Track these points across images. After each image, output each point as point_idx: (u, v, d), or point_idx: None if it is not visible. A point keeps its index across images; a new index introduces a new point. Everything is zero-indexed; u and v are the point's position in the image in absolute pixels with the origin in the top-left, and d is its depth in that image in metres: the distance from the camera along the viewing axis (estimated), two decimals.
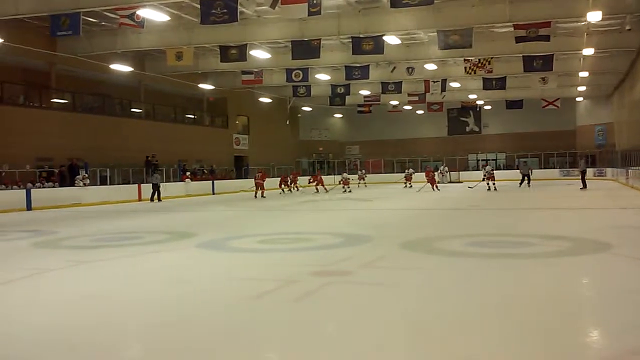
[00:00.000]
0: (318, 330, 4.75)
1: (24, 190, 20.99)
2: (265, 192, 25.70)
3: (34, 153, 23.41)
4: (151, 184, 25.05)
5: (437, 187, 27.33)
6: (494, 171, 26.73)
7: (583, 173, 26.08)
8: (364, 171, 36.67)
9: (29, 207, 20.62)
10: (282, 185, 29.76)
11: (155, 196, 24.75)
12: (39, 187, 21.97)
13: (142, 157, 28.35)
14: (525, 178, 27.68)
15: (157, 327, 4.88)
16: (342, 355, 4.09)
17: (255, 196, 25.40)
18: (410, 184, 32.33)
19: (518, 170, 29.95)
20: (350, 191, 27.81)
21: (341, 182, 28.78)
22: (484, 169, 27.21)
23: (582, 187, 24.82)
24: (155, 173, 25.74)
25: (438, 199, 21.28)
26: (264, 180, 25.95)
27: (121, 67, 25.45)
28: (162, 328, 4.84)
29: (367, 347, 4.22)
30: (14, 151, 22.05)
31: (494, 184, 25.68)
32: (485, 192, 24.59)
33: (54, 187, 22.64)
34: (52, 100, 26.78)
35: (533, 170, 30.30)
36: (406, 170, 34.38)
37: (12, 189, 21.30)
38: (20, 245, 10.91)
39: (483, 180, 26.46)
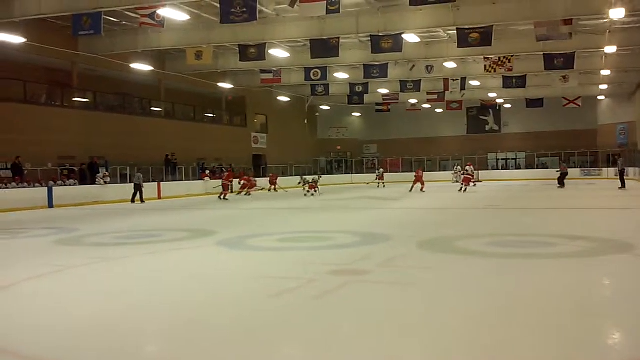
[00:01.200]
0: (337, 329, 4.77)
1: (46, 188, 21.28)
2: (227, 194, 24.05)
3: (55, 151, 23.72)
4: (133, 184, 23.07)
5: (466, 186, 25.62)
6: (469, 170, 25.63)
7: (622, 172, 25.32)
8: (381, 170, 35.39)
9: (50, 205, 20.91)
10: (270, 185, 29.34)
11: (137, 197, 22.86)
12: (61, 185, 22.24)
13: (162, 155, 28.60)
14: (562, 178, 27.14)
15: (180, 324, 4.93)
16: (361, 353, 4.11)
17: (220, 197, 23.79)
18: (383, 183, 32.26)
19: (559, 170, 28.74)
20: (312, 195, 24.96)
21: (301, 183, 26.12)
22: (455, 169, 25.85)
23: (620, 186, 24.26)
24: (138, 172, 23.61)
25: (456, 199, 21.17)
26: (230, 181, 24.76)
27: (141, 67, 25.68)
28: (185, 325, 4.90)
29: (384, 347, 4.23)
30: (36, 149, 22.38)
31: (473, 184, 24.44)
32: (505, 192, 24.36)
33: (75, 185, 22.91)
34: (73, 99, 27.11)
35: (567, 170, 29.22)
36: (377, 170, 34.29)
37: (34, 186, 21.61)
38: (43, 242, 11.08)
39: (456, 182, 25.15)
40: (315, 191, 25.44)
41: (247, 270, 7.59)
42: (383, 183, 33.64)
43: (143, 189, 23.09)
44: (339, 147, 49.54)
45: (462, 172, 24.68)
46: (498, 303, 5.47)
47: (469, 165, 29.25)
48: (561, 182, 26.74)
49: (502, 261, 7.74)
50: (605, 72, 31.57)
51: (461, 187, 24.66)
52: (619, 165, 26.04)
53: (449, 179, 38.40)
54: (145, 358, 4.19)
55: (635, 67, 30.19)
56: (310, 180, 26.08)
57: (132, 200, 22.78)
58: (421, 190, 25.75)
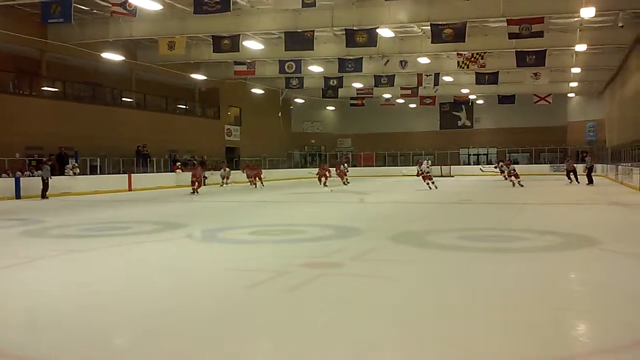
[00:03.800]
0: (310, 321, 4.75)
1: (13, 179, 20.81)
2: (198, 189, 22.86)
3: (23, 141, 23.18)
4: (40, 178, 20.88)
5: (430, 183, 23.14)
6: (429, 168, 23.37)
7: (590, 169, 25.56)
8: (345, 165, 30.92)
9: (18, 196, 20.46)
10: (255, 179, 26.85)
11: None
12: (28, 176, 21.76)
13: (133, 146, 28.19)
14: (572, 174, 26.15)
15: (148, 316, 4.86)
16: (333, 345, 4.09)
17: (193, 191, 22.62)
18: (347, 179, 28.68)
19: (584, 165, 27.13)
20: (347, 182, 27.76)
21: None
22: (419, 167, 23.32)
23: (587, 182, 24.74)
24: (45, 164, 21.49)
25: (430, 193, 21.32)
26: (196, 178, 22.90)
27: (112, 56, 25.25)
28: (152, 316, 4.83)
29: (357, 338, 4.22)
30: (3, 139, 21.83)
31: (433, 182, 22.46)
32: (478, 186, 24.64)
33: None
34: (42, 88, 26.51)
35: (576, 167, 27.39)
36: (342, 165, 30.43)
37: (1, 177, 21.11)
38: (9, 233, 10.84)
39: (419, 175, 23.29)
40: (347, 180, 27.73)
41: (218, 262, 7.52)
42: (347, 179, 28.95)
43: (49, 183, 20.80)
44: (313, 141, 49.51)
45: (421, 172, 22.72)
46: (468, 296, 5.51)
47: (420, 164, 24.17)
48: (574, 177, 25.94)
49: (473, 255, 7.81)
50: (576, 70, 32.12)
51: (429, 186, 22.26)
52: (587, 162, 26.48)
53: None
54: (114, 350, 4.11)
55: (604, 65, 30.75)
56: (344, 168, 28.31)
57: (43, 196, 20.56)
58: (324, 184, 25.66)
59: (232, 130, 39.53)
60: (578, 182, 25.25)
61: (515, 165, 26.52)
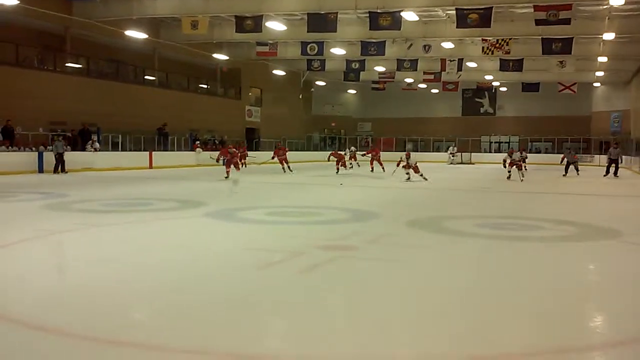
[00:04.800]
0: (323, 302, 4.79)
1: (37, 153, 21.12)
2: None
3: (47, 116, 23.48)
4: (54, 154, 20.84)
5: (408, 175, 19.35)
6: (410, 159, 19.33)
7: (616, 161, 23.51)
8: (353, 149, 28.68)
9: (40, 170, 20.78)
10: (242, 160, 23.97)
11: (60, 167, 20.90)
12: (51, 151, 22.09)
13: (154, 124, 28.40)
14: (613, 165, 23.50)
15: (163, 292, 4.93)
16: (344, 326, 4.13)
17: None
18: (357, 163, 26.84)
19: (607, 156, 24.70)
20: (351, 167, 25.22)
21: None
22: (402, 158, 19.67)
23: (605, 174, 23.39)
24: (58, 140, 21.42)
25: (449, 180, 21.21)
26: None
27: (136, 34, 25.35)
28: (169, 294, 4.90)
29: (369, 319, 4.25)
30: (27, 114, 22.15)
31: (417, 172, 19.04)
32: (498, 174, 24.43)
33: (66, 150, 22.70)
34: (66, 64, 26.77)
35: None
36: (348, 149, 28.65)
37: (24, 151, 21.44)
38: (31, 206, 11.04)
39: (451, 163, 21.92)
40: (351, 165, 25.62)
41: (234, 242, 7.59)
42: (357, 163, 27.46)
43: (64, 158, 20.88)
44: (333, 124, 49.38)
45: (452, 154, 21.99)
46: (482, 283, 5.51)
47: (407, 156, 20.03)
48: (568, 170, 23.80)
49: (489, 242, 7.78)
50: (603, 59, 31.51)
51: (408, 177, 18.91)
52: (611, 153, 24.11)
53: (442, 160, 38.50)
54: (130, 324, 4.19)
55: (632, 54, 30.14)
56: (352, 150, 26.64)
57: (55, 171, 20.66)
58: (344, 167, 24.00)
59: (253, 111, 39.59)
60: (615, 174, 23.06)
61: (536, 155, 25.25)
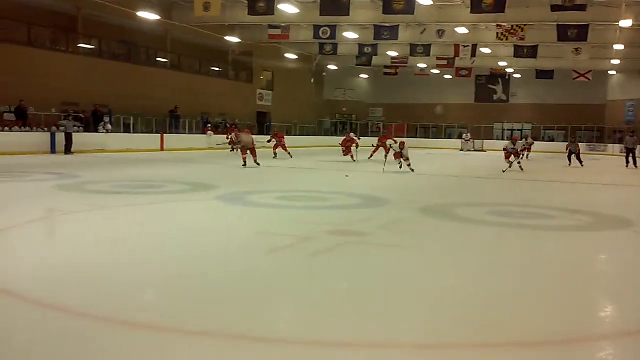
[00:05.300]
0: (332, 287, 4.79)
1: (49, 134, 21.23)
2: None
3: (59, 97, 23.56)
4: (64, 134, 20.96)
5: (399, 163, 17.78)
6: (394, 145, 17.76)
7: (632, 150, 22.74)
8: (352, 135, 24.42)
9: (53, 150, 20.90)
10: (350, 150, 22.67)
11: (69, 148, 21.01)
12: (63, 131, 22.19)
13: (166, 107, 28.43)
14: (631, 155, 22.60)
15: (174, 274, 4.95)
16: (352, 311, 4.13)
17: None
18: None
19: (623, 145, 23.87)
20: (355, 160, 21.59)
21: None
22: (391, 145, 18.05)
23: (628, 164, 22.48)
24: (66, 120, 21.41)
25: (461, 167, 21.10)
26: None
27: (148, 15, 25.27)
28: (178, 276, 4.92)
29: (377, 305, 4.25)
30: (40, 94, 22.23)
31: (406, 161, 17.27)
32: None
33: (78, 131, 22.80)
34: (78, 45, 26.79)
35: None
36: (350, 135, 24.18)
37: (37, 131, 21.55)
38: (43, 186, 11.11)
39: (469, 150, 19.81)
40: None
41: (244, 225, 7.60)
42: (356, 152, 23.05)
43: (72, 138, 21.02)
44: (344, 109, 49.17)
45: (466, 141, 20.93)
46: (492, 271, 5.48)
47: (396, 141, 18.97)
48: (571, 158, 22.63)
49: (500, 230, 7.74)
50: (619, 47, 31.01)
51: (384, 166, 17.18)
52: (627, 142, 23.37)
53: (454, 147, 38.31)
54: (142, 306, 4.22)
55: None
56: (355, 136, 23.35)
57: (68, 151, 20.87)
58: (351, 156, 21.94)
59: (264, 95, 39.50)
60: (582, 165, 21.94)
61: (549, 143, 23.83)
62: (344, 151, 22.47)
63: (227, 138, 20.82)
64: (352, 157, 22.03)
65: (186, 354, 3.33)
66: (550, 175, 18.45)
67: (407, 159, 17.35)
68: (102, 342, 3.43)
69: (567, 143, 24.41)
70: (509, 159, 18.27)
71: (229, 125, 29.75)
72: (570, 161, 22.54)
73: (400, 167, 17.49)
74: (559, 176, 18.09)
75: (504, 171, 17.88)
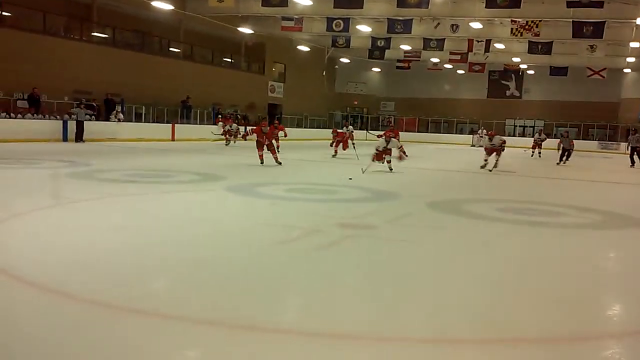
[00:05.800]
0: (339, 280, 4.80)
1: (61, 121, 21.36)
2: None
3: (72, 85, 23.67)
4: (75, 122, 21.08)
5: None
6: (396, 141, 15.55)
7: (634, 149, 21.89)
8: (351, 128, 23.77)
9: (65, 138, 21.03)
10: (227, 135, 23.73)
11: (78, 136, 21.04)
12: (75, 119, 22.32)
13: (178, 97, 28.50)
14: (636, 153, 21.53)
15: (182, 263, 4.99)
16: (359, 304, 4.14)
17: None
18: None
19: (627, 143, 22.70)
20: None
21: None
22: (383, 139, 15.39)
23: (631, 164, 21.60)
24: (78, 107, 21.45)
25: (472, 162, 21.00)
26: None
27: (162, 5, 25.32)
28: (186, 266, 4.95)
29: (384, 299, 4.26)
30: (53, 82, 22.34)
31: (403, 153, 16.12)
32: (521, 159, 24.16)
33: (90, 119, 22.91)
34: (92, 33, 26.89)
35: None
36: (346, 128, 23.53)
37: (49, 119, 21.69)
38: (56, 174, 11.20)
39: (481, 146, 18.57)
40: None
41: (252, 216, 7.63)
42: (354, 144, 21.31)
43: (84, 126, 21.16)
44: (356, 102, 49.00)
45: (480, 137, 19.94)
46: (499, 267, 5.47)
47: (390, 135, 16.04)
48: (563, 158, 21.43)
49: (508, 226, 7.71)
50: (635, 45, 30.72)
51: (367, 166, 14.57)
52: (632, 140, 22.35)
53: (466, 142, 38.11)
54: (150, 294, 4.25)
55: None
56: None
57: (77, 139, 20.95)
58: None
59: (276, 87, 39.47)
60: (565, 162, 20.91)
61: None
62: (342, 146, 20.52)
63: (222, 128, 20.65)
64: (344, 148, 20.10)
65: (193, 342, 3.36)
66: (560, 172, 18.32)
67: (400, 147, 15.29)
68: (109, 329, 3.47)
69: (558, 140, 22.56)
70: (490, 155, 16.78)
71: (220, 115, 28.52)
72: (560, 159, 21.10)
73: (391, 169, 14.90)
74: (569, 173, 17.96)
75: (481, 167, 16.90)
